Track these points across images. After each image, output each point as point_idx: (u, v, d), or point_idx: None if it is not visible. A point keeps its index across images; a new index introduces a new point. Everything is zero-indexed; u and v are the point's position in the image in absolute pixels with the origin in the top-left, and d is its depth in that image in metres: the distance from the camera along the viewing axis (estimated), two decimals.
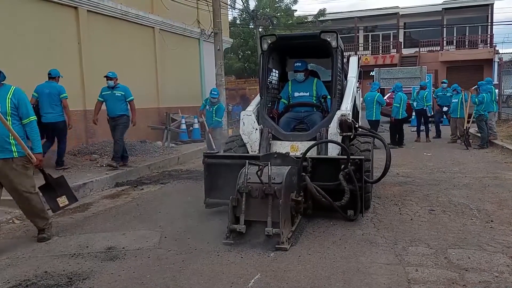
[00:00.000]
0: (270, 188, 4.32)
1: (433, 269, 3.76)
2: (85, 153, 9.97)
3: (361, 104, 9.13)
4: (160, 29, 13.86)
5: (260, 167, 4.44)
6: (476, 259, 3.96)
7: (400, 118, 12.46)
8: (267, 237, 4.25)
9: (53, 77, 8.80)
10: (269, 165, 4.46)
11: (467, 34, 32.76)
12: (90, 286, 3.61)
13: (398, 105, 12.36)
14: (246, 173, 4.47)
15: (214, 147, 9.44)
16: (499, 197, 6.30)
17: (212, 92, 10.12)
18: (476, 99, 11.53)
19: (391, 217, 5.37)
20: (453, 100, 12.96)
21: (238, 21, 29.70)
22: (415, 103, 13.97)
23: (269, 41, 6.35)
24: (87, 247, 4.61)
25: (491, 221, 5.12)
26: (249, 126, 6.16)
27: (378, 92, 12.75)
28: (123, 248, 4.53)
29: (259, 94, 6.67)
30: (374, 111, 12.35)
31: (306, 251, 4.26)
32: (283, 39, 6.56)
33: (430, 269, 3.76)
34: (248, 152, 6.05)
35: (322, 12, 30.86)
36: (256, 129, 6.13)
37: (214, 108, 9.98)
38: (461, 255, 4.06)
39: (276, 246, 4.24)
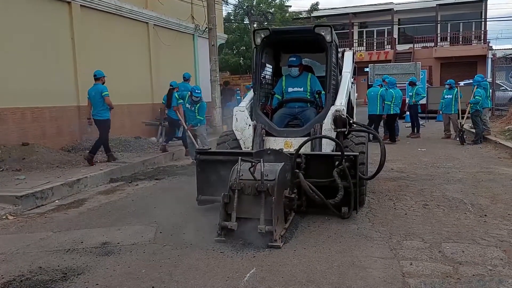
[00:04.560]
0: (262, 185, 4.26)
1: (428, 263, 3.78)
2: (79, 149, 9.94)
3: (356, 99, 9.08)
4: (154, 24, 13.80)
5: (253, 163, 4.38)
6: (470, 253, 3.99)
7: (391, 113, 12.45)
8: (260, 235, 4.18)
9: (187, 79, 12.19)
10: (262, 161, 4.40)
11: (461, 30, 32.88)
12: (85, 281, 3.60)
13: (389, 103, 12.35)
14: (238, 169, 4.40)
15: (197, 146, 9.25)
16: (493, 191, 6.34)
17: (196, 91, 9.54)
18: (475, 98, 11.63)
19: (386, 212, 5.39)
20: (446, 96, 12.98)
21: (232, 17, 29.59)
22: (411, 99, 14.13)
23: (263, 35, 6.24)
24: (82, 242, 4.59)
25: (485, 215, 5.16)
26: (242, 122, 6.09)
27: (380, 87, 12.78)
28: (118, 243, 4.52)
29: (252, 90, 6.60)
30: (378, 106, 12.39)
31: (301, 246, 4.27)
32: (277, 33, 6.45)
33: (424, 263, 3.78)
34: (241, 149, 5.97)
35: (315, 7, 30.72)
36: (250, 125, 6.05)
37: (196, 107, 9.48)
38: (455, 249, 4.08)
39: (269, 244, 4.18)
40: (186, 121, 10.07)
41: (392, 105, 12.32)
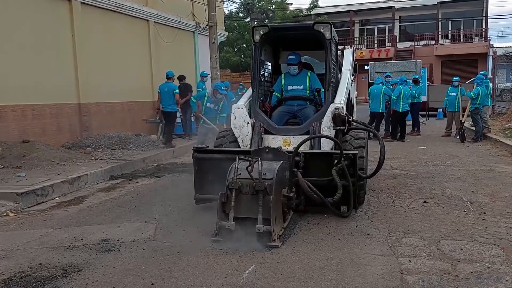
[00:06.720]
0: (260, 184, 4.21)
1: (426, 260, 3.80)
2: (79, 147, 9.96)
3: (356, 97, 9.07)
4: (154, 22, 13.79)
5: (251, 162, 4.33)
6: (468, 250, 4.00)
7: (400, 111, 12.43)
8: (258, 234, 4.14)
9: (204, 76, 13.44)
10: (260, 160, 4.36)
11: (462, 28, 32.87)
12: (85, 278, 3.62)
13: (395, 98, 12.31)
14: (236, 168, 4.34)
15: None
16: (492, 189, 6.36)
17: (222, 88, 9.19)
18: (472, 93, 11.58)
19: (385, 209, 5.40)
20: (450, 94, 12.90)
21: (233, 14, 29.60)
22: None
23: (261, 32, 6.17)
24: (82, 239, 4.61)
25: (484, 213, 5.17)
26: (240, 119, 6.02)
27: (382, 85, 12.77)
28: (118, 240, 4.53)
29: (251, 87, 6.53)
30: (381, 103, 12.40)
31: (300, 243, 4.28)
32: (276, 30, 6.39)
33: (423, 260, 3.80)
34: (239, 147, 5.92)
35: (314, 3, 30.72)
36: (248, 123, 5.99)
37: (220, 105, 9.12)
38: (454, 246, 4.10)
39: (267, 244, 4.13)
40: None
41: (401, 102, 12.26)
